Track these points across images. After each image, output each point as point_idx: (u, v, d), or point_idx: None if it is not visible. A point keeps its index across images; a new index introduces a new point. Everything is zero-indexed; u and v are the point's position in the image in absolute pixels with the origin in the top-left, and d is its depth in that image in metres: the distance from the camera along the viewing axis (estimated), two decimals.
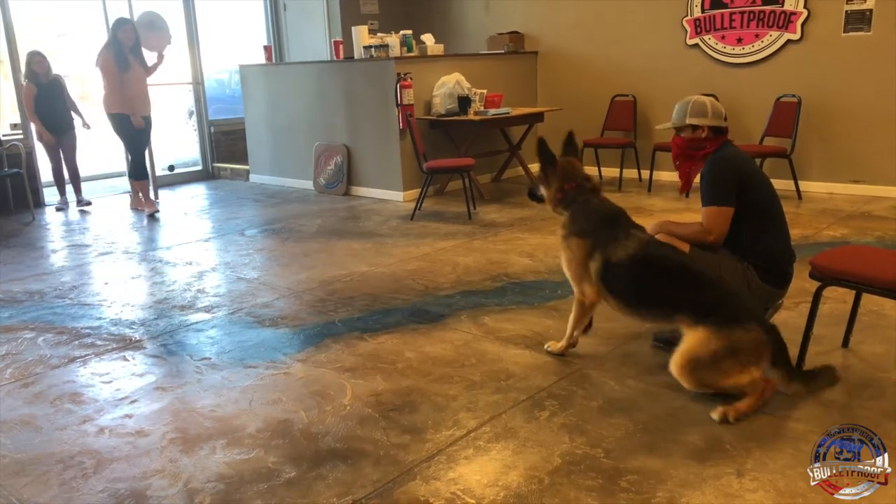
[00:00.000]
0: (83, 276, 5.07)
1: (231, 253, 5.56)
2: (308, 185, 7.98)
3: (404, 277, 4.61)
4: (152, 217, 6.85)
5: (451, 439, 2.60)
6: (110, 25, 6.82)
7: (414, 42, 7.23)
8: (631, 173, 7.50)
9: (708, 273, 2.82)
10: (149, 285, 4.78)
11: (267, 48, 8.15)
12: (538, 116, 7.54)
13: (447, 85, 7.10)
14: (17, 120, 7.66)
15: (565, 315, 3.72)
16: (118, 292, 4.62)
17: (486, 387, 3.00)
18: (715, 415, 2.64)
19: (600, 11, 7.78)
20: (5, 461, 2.62)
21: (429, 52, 7.33)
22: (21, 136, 7.61)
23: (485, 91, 7.34)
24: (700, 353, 2.62)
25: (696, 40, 7.14)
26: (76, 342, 3.76)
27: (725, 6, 6.91)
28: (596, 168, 7.80)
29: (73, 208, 7.46)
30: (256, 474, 2.46)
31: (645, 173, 7.33)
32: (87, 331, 3.92)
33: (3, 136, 7.41)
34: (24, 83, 7.06)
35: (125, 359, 3.52)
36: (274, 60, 8.81)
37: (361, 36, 7.19)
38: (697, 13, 7.10)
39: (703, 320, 2.65)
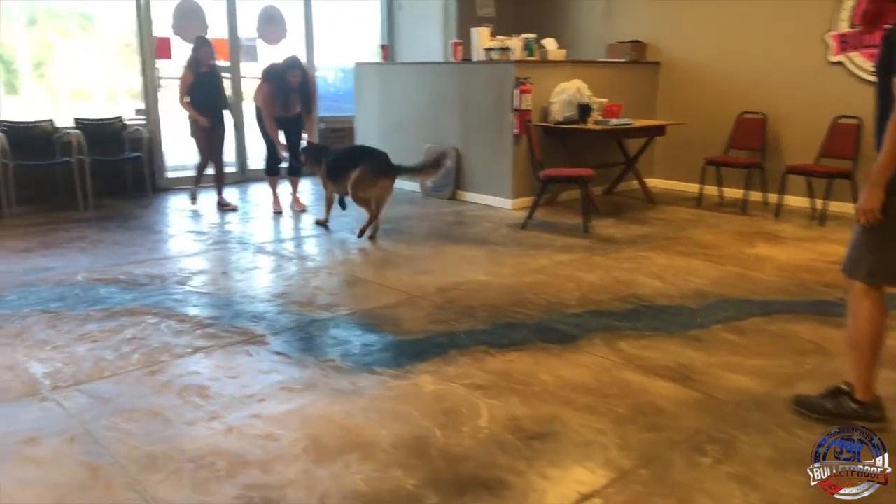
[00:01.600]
0: (201, 263, 5.09)
1: (344, 252, 5.49)
2: (415, 186, 7.88)
3: (524, 290, 4.41)
4: (278, 213, 6.85)
5: (605, 480, 2.38)
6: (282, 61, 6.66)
7: (535, 46, 7.02)
8: (757, 196, 7.06)
9: None
10: (266, 278, 4.74)
11: (384, 47, 8.12)
12: (659, 129, 7.20)
13: (567, 92, 6.86)
14: (143, 105, 7.87)
15: (709, 346, 3.46)
16: (237, 283, 4.60)
17: (636, 423, 2.76)
18: None
19: (730, 22, 7.39)
20: (138, 453, 2.56)
21: (550, 58, 7.11)
22: (144, 122, 7.81)
23: (605, 100, 7.06)
24: None
25: (841, 57, 6.66)
26: (199, 332, 3.72)
27: None
28: (716, 187, 7.40)
29: (203, 203, 7.60)
30: (396, 497, 2.31)
31: (772, 197, 6.89)
32: (209, 321, 3.88)
33: (128, 120, 7.61)
34: (183, 68, 6.79)
35: (248, 353, 3.45)
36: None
37: (482, 38, 7.04)
38: (844, 28, 6.62)
39: None
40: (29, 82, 7.73)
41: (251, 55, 8.57)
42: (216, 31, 8.24)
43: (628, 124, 6.83)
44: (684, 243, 5.63)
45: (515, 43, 6.80)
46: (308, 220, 6.53)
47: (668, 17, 7.89)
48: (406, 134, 7.95)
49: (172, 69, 8.35)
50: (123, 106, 8.11)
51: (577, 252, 5.36)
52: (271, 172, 6.97)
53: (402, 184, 8.00)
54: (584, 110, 6.73)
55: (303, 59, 8.99)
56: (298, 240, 5.91)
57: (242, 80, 8.46)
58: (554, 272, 4.81)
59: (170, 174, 8.18)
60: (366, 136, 8.44)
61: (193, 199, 7.10)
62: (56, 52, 7.92)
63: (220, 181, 7.10)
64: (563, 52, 7.21)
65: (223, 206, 7.04)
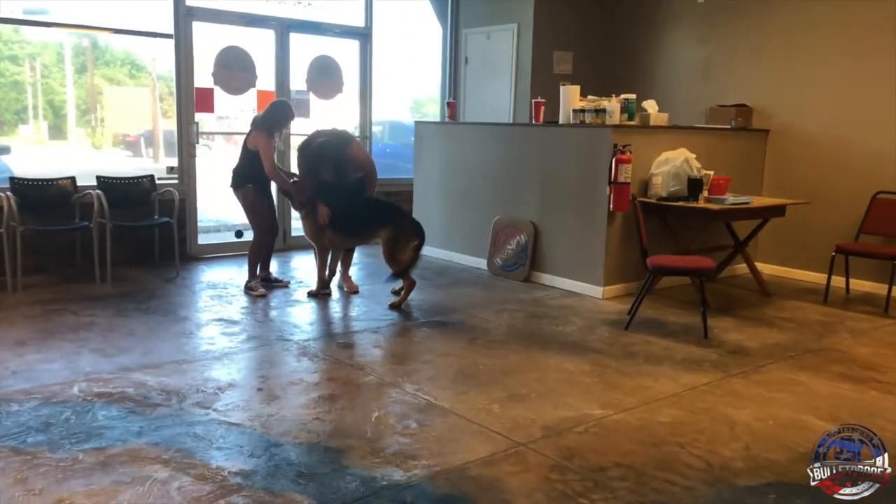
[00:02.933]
0: (231, 371, 4.02)
1: (407, 356, 4.40)
2: (480, 263, 6.80)
3: (665, 438, 3.24)
4: (317, 295, 5.80)
5: None
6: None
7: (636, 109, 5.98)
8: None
9: None
10: (314, 400, 3.64)
11: (450, 104, 7.15)
12: (779, 210, 6.05)
13: (672, 163, 5.78)
14: (175, 163, 6.97)
15: None
16: (276, 408, 3.50)
17: None
18: None
19: (853, 84, 6.30)
20: None
21: (651, 122, 6.05)
22: (176, 181, 6.90)
23: (711, 173, 5.96)
24: None
25: None
26: (223, 501, 2.61)
27: None
28: (844, 279, 6.19)
29: (234, 275, 6.60)
30: None
31: None
32: (238, 479, 2.78)
33: (159, 179, 6.70)
34: (256, 130, 5.61)
35: None
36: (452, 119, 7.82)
37: (571, 97, 6.03)
38: None
39: None
40: (74, 129, 7.28)
41: (302, 110, 7.65)
42: (263, 81, 7.36)
43: (747, 203, 5.71)
44: (838, 359, 4.43)
45: (613, 104, 5.76)
46: (363, 307, 5.45)
47: (777, 77, 6.82)
48: (473, 203, 6.91)
49: (213, 124, 7.52)
50: (165, 160, 7.33)
51: (708, 370, 4.19)
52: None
53: (463, 259, 6.94)
54: (695, 185, 5.63)
55: (356, 117, 8.10)
56: (349, 334, 4.83)
57: (292, 136, 7.54)
58: (692, 405, 3.64)
59: (202, 241, 7.22)
60: (425, 202, 7.41)
61: (254, 289, 5.75)
62: (104, 100, 7.42)
63: (270, 253, 6.09)
64: (664, 115, 6.16)
65: (273, 283, 6.02)
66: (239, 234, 7.49)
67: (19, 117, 6.87)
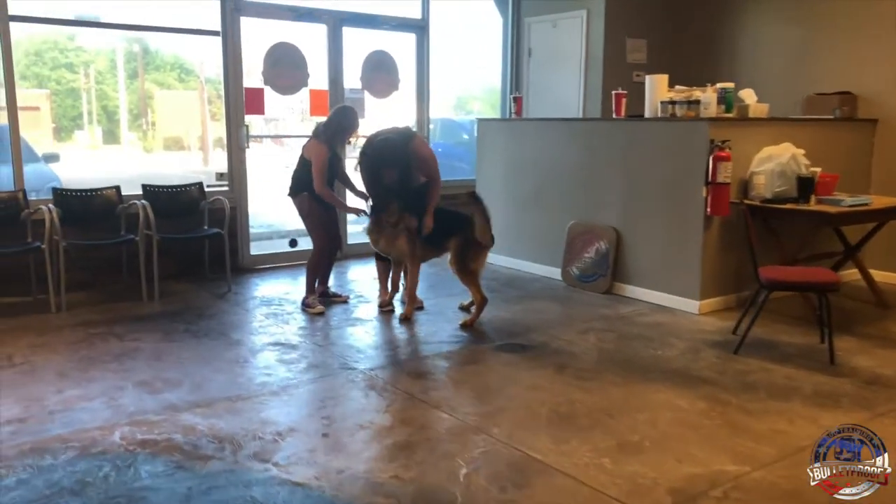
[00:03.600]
0: (292, 410, 3.53)
1: (489, 391, 3.84)
2: (553, 273, 6.20)
3: None
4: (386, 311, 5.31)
5: None
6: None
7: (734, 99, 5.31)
8: None
9: None
10: (386, 452, 3.10)
11: (517, 99, 6.56)
12: None
13: (777, 160, 5.10)
14: (224, 168, 6.54)
15: None
16: (344, 462, 2.98)
17: None
18: None
19: None
20: None
21: (750, 114, 5.37)
22: (227, 188, 6.46)
23: (818, 170, 5.25)
24: None
25: None
26: None
27: None
28: None
29: (289, 288, 6.15)
30: None
31: None
32: None
33: (208, 186, 6.27)
34: (314, 139, 5.13)
35: None
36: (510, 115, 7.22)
37: (658, 88, 5.38)
38: None
39: None
40: (127, 133, 7.46)
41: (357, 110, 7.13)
42: (316, 79, 6.88)
43: (866, 204, 5.00)
44: None
45: (708, 95, 5.10)
46: (429, 326, 4.92)
47: (884, 59, 6.05)
48: (543, 207, 6.32)
49: (263, 127, 7.07)
50: (215, 164, 7.05)
51: (848, 407, 3.53)
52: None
53: (533, 268, 6.36)
54: (806, 185, 4.95)
55: (412, 116, 7.57)
56: (418, 360, 4.30)
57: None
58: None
59: (254, 251, 6.78)
60: (489, 206, 6.81)
61: (312, 307, 5.25)
62: (154, 104, 7.48)
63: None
64: (765, 106, 5.46)
65: (331, 298, 5.53)
66: (293, 243, 7.03)
67: (75, 123, 6.99)
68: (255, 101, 6.56)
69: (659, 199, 5.38)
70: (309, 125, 6.94)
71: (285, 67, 6.67)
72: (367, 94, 7.26)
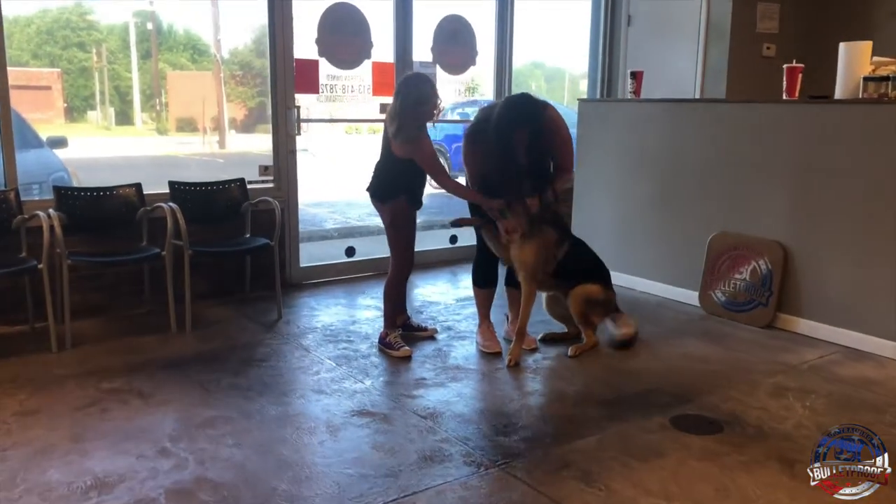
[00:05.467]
0: None
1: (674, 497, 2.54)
2: (688, 297, 4.88)
3: None
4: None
5: None
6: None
7: None
8: None
9: None
10: None
11: (637, 75, 5.20)
12: None
13: None
14: (270, 161, 5.24)
15: None
16: None
17: None
18: None
19: None
20: None
21: None
22: (272, 186, 5.18)
23: None
24: None
25: None
26: None
27: None
28: None
29: (352, 309, 4.87)
30: None
31: None
32: None
33: (249, 182, 4.98)
34: (399, 136, 3.70)
35: None
36: (608, 95, 5.89)
37: (860, 59, 4.02)
38: None
39: None
40: (140, 114, 7.29)
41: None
42: (380, 50, 5.57)
43: None
44: None
45: None
46: (553, 378, 3.62)
47: None
48: (672, 213, 4.99)
49: (317, 108, 5.78)
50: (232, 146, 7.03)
51: None
52: (482, 282, 4.13)
53: (659, 290, 5.06)
54: None
55: (489, 97, 6.23)
56: (554, 435, 3.00)
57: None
58: None
59: (304, 263, 5.49)
60: (593, 208, 5.49)
61: (394, 347, 3.96)
62: (167, 85, 7.16)
63: (405, 290, 4.31)
64: None
65: (415, 331, 4.25)
66: (351, 251, 5.74)
67: (87, 103, 6.76)
68: (307, 76, 5.25)
69: (854, 207, 4.04)
70: (371, 107, 5.66)
71: (345, 35, 5.34)
72: (438, 69, 5.93)
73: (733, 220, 4.65)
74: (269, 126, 5.20)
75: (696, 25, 6.12)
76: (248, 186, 4.93)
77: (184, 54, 7.15)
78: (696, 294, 4.83)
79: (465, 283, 5.54)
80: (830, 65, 4.28)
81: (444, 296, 5.14)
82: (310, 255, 5.68)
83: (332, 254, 6.23)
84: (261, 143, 8.82)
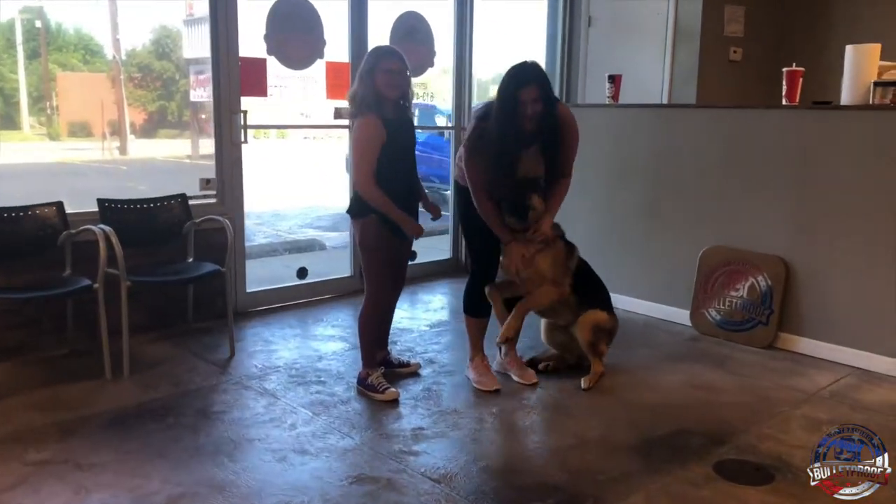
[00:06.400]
0: None
1: None
2: (678, 315, 4.57)
3: None
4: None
5: None
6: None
7: None
8: None
9: None
10: None
11: (615, 78, 4.86)
12: None
13: None
14: (212, 173, 4.60)
15: None
16: None
17: None
18: None
19: None
20: None
21: None
22: (215, 201, 4.55)
23: None
24: None
25: None
26: None
27: None
28: None
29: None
30: None
31: None
32: None
33: (191, 198, 4.34)
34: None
35: None
36: (572, 101, 5.54)
37: (867, 62, 3.79)
38: None
39: None
40: (28, 119, 6.79)
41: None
42: (333, 49, 5.02)
43: None
44: None
45: None
46: (564, 423, 3.19)
47: None
48: (660, 225, 4.67)
49: (263, 112, 5.17)
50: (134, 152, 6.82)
51: None
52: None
53: (647, 308, 4.74)
54: None
55: (448, 100, 5.80)
56: (595, 497, 2.58)
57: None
58: None
59: (250, 288, 4.88)
60: (573, 218, 5.11)
61: (377, 389, 3.41)
62: (58, 87, 6.75)
63: (390, 321, 3.79)
64: None
65: (396, 368, 3.73)
66: (303, 273, 5.16)
67: None
68: (254, 77, 4.65)
69: (861, 220, 3.81)
70: (325, 113, 5.12)
71: (296, 31, 4.77)
72: None
73: (728, 234, 4.37)
74: (173, 132, 4.62)
75: (661, 28, 5.86)
76: (193, 203, 4.29)
77: (75, 54, 6.82)
78: (686, 313, 4.53)
79: (433, 305, 5.07)
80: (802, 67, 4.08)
81: (414, 321, 4.64)
82: (250, 277, 5.07)
83: (276, 274, 5.65)
84: (166, 150, 8.18)
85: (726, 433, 3.10)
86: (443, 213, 4.32)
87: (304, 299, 5.04)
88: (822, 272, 3.99)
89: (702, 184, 4.45)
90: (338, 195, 10.76)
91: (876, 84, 3.71)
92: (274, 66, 4.72)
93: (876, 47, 3.79)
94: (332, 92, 5.05)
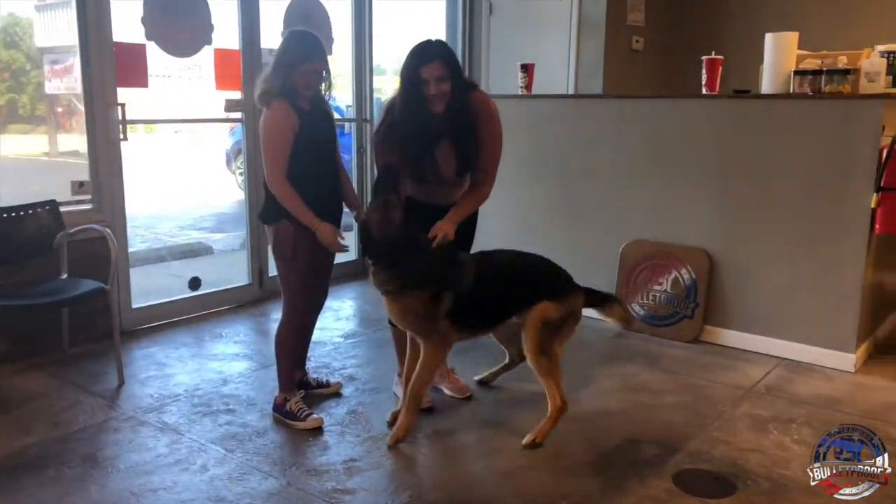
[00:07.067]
0: None
1: None
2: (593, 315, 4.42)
3: None
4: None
5: None
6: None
7: None
8: None
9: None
10: None
11: (528, 68, 4.66)
12: None
13: None
14: (85, 175, 4.02)
15: None
16: None
17: None
18: None
19: None
20: None
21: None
22: (91, 207, 3.98)
23: None
24: None
25: None
26: None
27: None
28: None
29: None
30: None
31: None
32: None
33: (62, 204, 3.76)
34: (258, 101, 2.93)
35: None
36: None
37: (787, 50, 3.75)
38: None
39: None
40: None
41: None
42: (222, 35, 4.53)
43: None
44: None
45: (875, 62, 3.55)
46: (515, 441, 2.94)
47: None
48: (578, 219, 4.53)
49: (146, 106, 4.62)
50: None
51: None
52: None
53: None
54: None
55: (348, 91, 5.45)
56: None
57: None
58: None
59: (136, 304, 4.32)
60: (487, 221, 4.88)
61: (298, 416, 3.03)
62: None
63: (310, 337, 3.38)
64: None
65: (314, 389, 3.35)
66: (195, 283, 4.66)
67: None
68: (132, 66, 4.10)
69: (785, 211, 3.79)
70: (216, 105, 4.62)
71: (179, 16, 4.25)
72: None
73: (649, 227, 4.26)
74: (25, 126, 4.06)
75: (565, 16, 5.72)
76: (65, 210, 3.72)
77: None
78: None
79: (344, 313, 4.71)
80: (699, 56, 4.02)
81: (325, 332, 4.25)
82: (133, 289, 4.52)
83: (161, 285, 5.10)
84: (18, 147, 7.33)
85: (676, 439, 2.95)
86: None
87: (198, 313, 4.54)
88: (746, 263, 3.95)
89: (622, 177, 4.33)
90: (220, 194, 10.12)
91: (797, 73, 3.68)
92: (157, 55, 4.18)
93: (794, 35, 3.77)
94: (223, 82, 4.57)
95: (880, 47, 3.69)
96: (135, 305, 4.28)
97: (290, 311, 3.10)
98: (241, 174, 9.54)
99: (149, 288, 4.82)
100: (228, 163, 10.58)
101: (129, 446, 2.86)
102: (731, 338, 4.02)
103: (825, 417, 3.15)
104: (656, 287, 4.24)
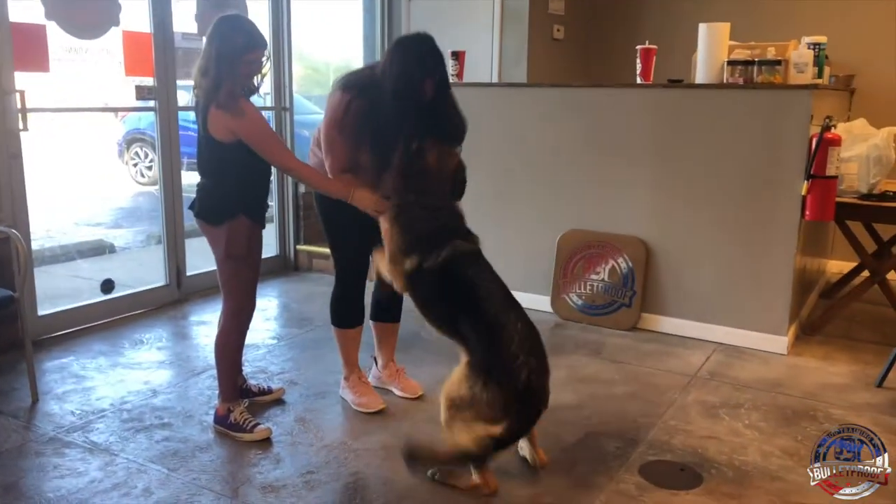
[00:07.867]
0: None
1: None
2: (538, 302, 4.39)
3: None
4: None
5: None
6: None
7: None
8: None
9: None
10: None
11: (459, 55, 4.56)
12: None
13: (872, 141, 3.88)
14: None
15: None
16: None
17: None
18: None
19: None
20: None
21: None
22: None
23: None
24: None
25: None
26: None
27: None
28: None
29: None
30: None
31: None
32: None
33: None
34: (194, 94, 2.72)
35: None
36: None
37: (718, 41, 3.81)
38: None
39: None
40: None
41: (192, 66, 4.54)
42: (131, 17, 4.18)
43: None
44: None
45: (802, 53, 3.66)
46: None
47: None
48: (510, 210, 4.48)
49: (49, 93, 4.22)
50: None
51: None
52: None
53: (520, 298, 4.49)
54: None
55: (271, 76, 5.20)
56: None
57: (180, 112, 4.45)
58: None
59: (42, 310, 3.95)
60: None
61: (245, 427, 2.83)
62: None
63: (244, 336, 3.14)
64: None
65: (255, 396, 3.14)
66: (108, 287, 4.30)
67: None
68: (32, 49, 3.71)
69: (719, 199, 3.87)
70: (126, 91, 4.28)
71: None
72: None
73: (585, 217, 4.27)
74: None
75: (488, 3, 5.65)
76: None
77: None
78: (547, 299, 4.39)
79: (270, 313, 4.48)
80: (618, 45, 4.05)
81: (256, 333, 4.01)
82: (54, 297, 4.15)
83: (64, 287, 4.71)
84: None
85: (634, 430, 2.95)
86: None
87: (112, 317, 4.20)
88: (682, 251, 4.02)
89: (556, 166, 4.30)
90: (114, 187, 9.47)
91: (730, 63, 3.75)
92: (60, 36, 3.80)
93: (726, 26, 3.84)
94: (133, 68, 4.23)
95: (807, 39, 3.80)
96: (41, 312, 3.90)
97: (237, 313, 2.88)
98: (134, 165, 8.98)
99: (53, 292, 4.42)
100: (121, 154, 9.93)
101: (56, 472, 2.57)
102: (669, 324, 4.09)
103: (769, 401, 3.24)
104: (594, 276, 4.25)
